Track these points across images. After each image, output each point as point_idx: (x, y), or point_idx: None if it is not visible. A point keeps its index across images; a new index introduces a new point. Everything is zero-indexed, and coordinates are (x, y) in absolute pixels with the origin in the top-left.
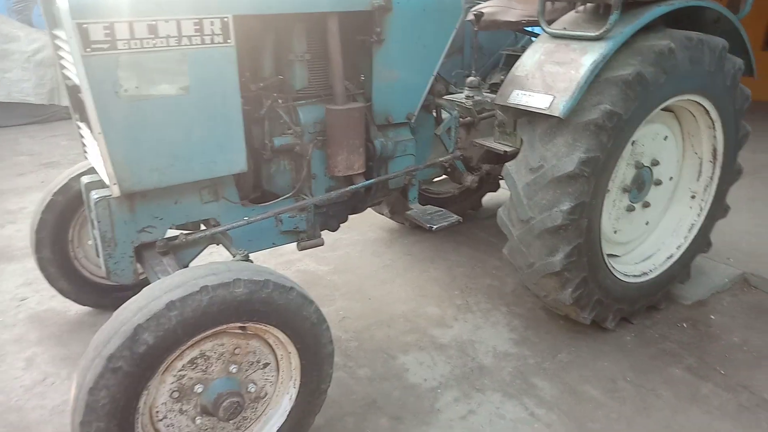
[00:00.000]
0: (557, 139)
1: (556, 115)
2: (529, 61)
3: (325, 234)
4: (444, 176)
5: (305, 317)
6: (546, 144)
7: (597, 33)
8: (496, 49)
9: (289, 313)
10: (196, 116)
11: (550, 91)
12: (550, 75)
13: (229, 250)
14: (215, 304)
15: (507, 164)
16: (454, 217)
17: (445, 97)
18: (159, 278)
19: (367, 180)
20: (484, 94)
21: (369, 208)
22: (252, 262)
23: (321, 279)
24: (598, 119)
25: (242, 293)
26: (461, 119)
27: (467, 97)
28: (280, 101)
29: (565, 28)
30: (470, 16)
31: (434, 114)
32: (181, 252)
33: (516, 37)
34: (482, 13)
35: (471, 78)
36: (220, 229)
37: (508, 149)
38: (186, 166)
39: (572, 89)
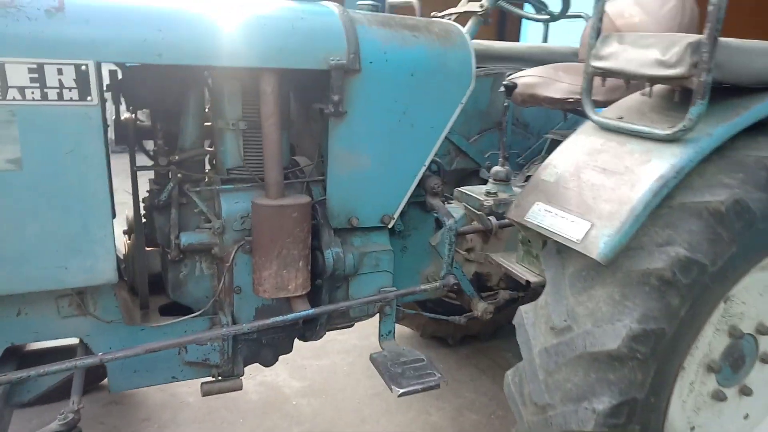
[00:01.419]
0: (596, 290)
1: (593, 256)
2: (562, 160)
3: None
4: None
5: None
6: (578, 294)
7: (670, 131)
8: (545, 131)
9: None
10: (32, 202)
11: (587, 214)
12: (591, 188)
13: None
14: None
15: (522, 308)
16: (436, 378)
17: (462, 189)
18: None
19: (313, 306)
20: (514, 189)
21: None
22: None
23: (284, 402)
24: (666, 271)
25: None
26: (475, 223)
27: (488, 193)
28: (202, 184)
29: (621, 118)
30: (501, 87)
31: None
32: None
33: (566, 117)
34: (515, 84)
35: (497, 168)
36: (86, 361)
37: (532, 279)
38: (19, 273)
39: (622, 218)
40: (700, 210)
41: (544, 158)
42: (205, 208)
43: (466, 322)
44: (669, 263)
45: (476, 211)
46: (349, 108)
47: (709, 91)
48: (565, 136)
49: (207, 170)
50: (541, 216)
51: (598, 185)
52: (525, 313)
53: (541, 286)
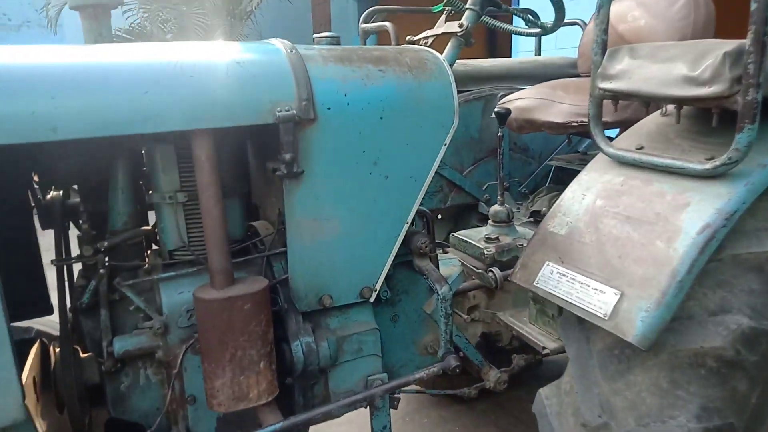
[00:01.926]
0: (636, 375)
1: (629, 339)
2: (573, 206)
3: None
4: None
5: None
6: (612, 379)
7: (711, 165)
8: (547, 153)
9: None
10: None
11: (614, 279)
12: (615, 243)
13: None
14: None
15: (542, 392)
16: None
17: (459, 235)
18: None
19: (285, 411)
20: (518, 229)
21: None
22: None
23: None
24: (726, 348)
25: None
26: (475, 280)
27: (488, 239)
28: (141, 272)
29: (641, 147)
30: (493, 114)
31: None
32: None
33: (570, 140)
34: (508, 110)
35: (496, 208)
36: None
37: (551, 346)
38: None
39: (662, 285)
40: (760, 263)
41: (550, 189)
42: (142, 303)
43: (477, 394)
44: (729, 338)
45: (475, 267)
46: (306, 166)
47: (759, 113)
48: (571, 162)
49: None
50: (555, 281)
51: (623, 239)
52: (546, 399)
53: (562, 352)
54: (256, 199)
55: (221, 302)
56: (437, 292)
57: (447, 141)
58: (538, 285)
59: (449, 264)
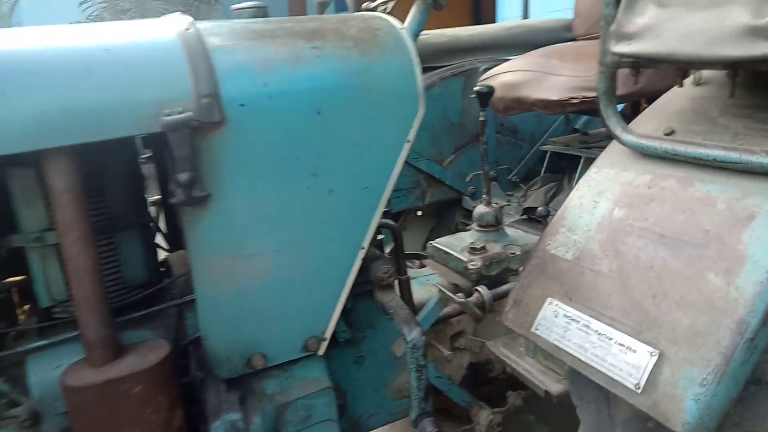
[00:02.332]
0: None
1: (676, 431)
2: (581, 217)
3: None
4: None
5: None
6: None
7: None
8: (540, 134)
9: None
10: None
11: (646, 331)
12: (645, 273)
13: None
14: None
15: None
16: None
17: (437, 243)
18: None
19: None
20: (509, 232)
21: None
22: None
23: None
24: None
25: None
26: (459, 300)
27: (473, 249)
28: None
29: (672, 132)
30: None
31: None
32: None
33: (568, 118)
34: (491, 88)
35: (482, 210)
36: None
37: (554, 388)
38: None
39: (724, 347)
40: None
41: (545, 179)
42: (4, 385)
43: None
44: None
45: (458, 284)
46: (213, 187)
47: None
48: (570, 146)
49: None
50: (561, 328)
51: (657, 269)
52: None
53: (567, 397)
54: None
55: (98, 388)
56: (405, 339)
57: (411, 137)
58: (538, 332)
59: (426, 283)
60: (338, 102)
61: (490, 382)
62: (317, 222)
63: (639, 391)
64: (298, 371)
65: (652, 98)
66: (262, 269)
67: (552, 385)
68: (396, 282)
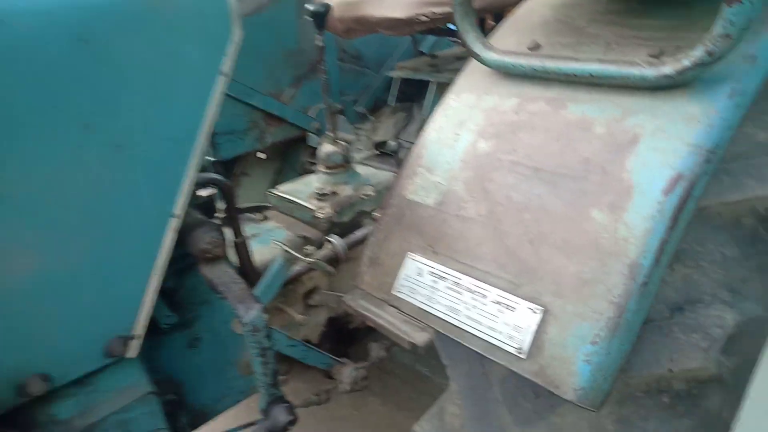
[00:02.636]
0: (563, 417)
1: (568, 398)
2: (441, 153)
3: None
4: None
5: None
6: (529, 424)
7: (674, 67)
8: (384, 59)
9: None
10: None
11: (526, 284)
12: (519, 216)
13: None
14: None
15: (417, 427)
16: None
17: (279, 191)
18: None
19: None
20: (360, 171)
21: None
22: None
23: None
24: (705, 369)
25: None
26: (310, 255)
27: (320, 195)
28: None
29: (538, 47)
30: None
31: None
32: None
33: (416, 40)
34: (326, 6)
35: (329, 149)
36: None
37: (420, 339)
38: None
39: (617, 297)
40: (736, 216)
41: (395, 110)
42: None
43: (329, 397)
44: (709, 351)
45: (307, 235)
46: None
47: None
48: (420, 70)
49: None
50: (426, 286)
51: (534, 210)
52: None
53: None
54: None
55: None
56: (241, 319)
57: (226, 68)
58: (400, 295)
59: (271, 238)
60: (114, 27)
61: (353, 334)
62: (103, 189)
63: (523, 356)
64: (103, 382)
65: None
66: (24, 263)
67: (417, 335)
68: (229, 248)
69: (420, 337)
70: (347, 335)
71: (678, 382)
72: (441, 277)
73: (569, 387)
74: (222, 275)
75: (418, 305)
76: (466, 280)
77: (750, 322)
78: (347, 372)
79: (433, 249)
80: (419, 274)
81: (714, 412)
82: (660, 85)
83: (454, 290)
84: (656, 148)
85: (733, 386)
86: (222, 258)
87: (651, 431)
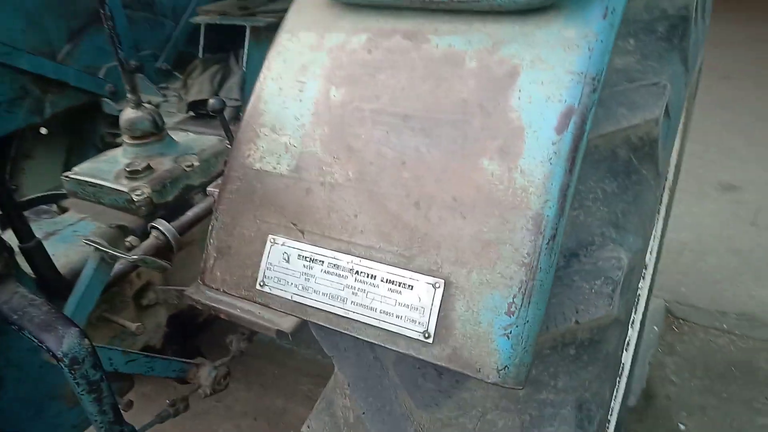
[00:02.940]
0: (472, 392)
1: (491, 381)
2: (286, 108)
3: None
4: None
5: None
6: (434, 406)
7: None
8: (183, 4)
9: None
10: None
11: (421, 254)
12: (397, 174)
13: None
14: None
15: (307, 429)
16: None
17: (76, 174)
18: None
19: None
20: (177, 139)
21: None
22: None
23: None
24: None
25: None
26: (134, 253)
27: (132, 172)
28: None
29: None
30: None
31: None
32: None
33: None
34: None
35: (130, 112)
36: None
37: (285, 323)
38: None
39: (525, 255)
40: (612, 148)
41: (206, 62)
42: None
43: (184, 408)
44: (612, 295)
45: (124, 225)
46: None
47: None
48: (229, 15)
49: None
50: (298, 274)
51: (412, 165)
52: None
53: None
54: None
55: None
56: (55, 357)
57: None
58: (266, 289)
59: (75, 235)
60: None
61: (205, 326)
62: None
63: (430, 340)
64: None
65: None
66: None
67: (283, 321)
68: (17, 258)
69: (287, 323)
70: (196, 331)
71: (583, 332)
72: (314, 261)
73: (490, 368)
74: (12, 299)
75: (292, 298)
76: (347, 260)
77: (635, 256)
78: (205, 373)
79: (299, 227)
80: (287, 260)
81: (612, 354)
82: (530, 6)
83: (334, 274)
84: (539, 80)
85: (624, 323)
86: (8, 275)
87: (561, 388)
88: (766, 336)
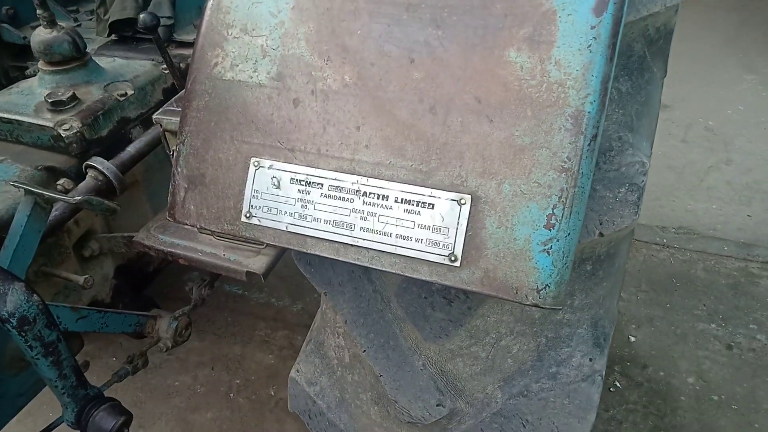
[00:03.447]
0: (485, 318)
1: (533, 304)
2: (258, 1)
3: None
4: None
5: None
6: (444, 337)
7: None
8: None
9: None
10: None
11: (441, 167)
12: (405, 74)
13: None
14: None
15: (295, 374)
16: None
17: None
18: None
19: None
20: (102, 64)
21: None
22: None
23: None
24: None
25: None
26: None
27: (54, 103)
28: None
29: None
30: None
31: None
32: None
33: None
34: None
35: (43, 33)
36: None
37: (255, 264)
38: None
39: (563, 161)
40: (629, 42)
41: None
42: None
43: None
44: (633, 208)
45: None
46: None
47: None
48: None
49: None
50: (292, 201)
51: (424, 64)
52: (311, 385)
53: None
54: None
55: None
56: None
57: None
58: (254, 220)
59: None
60: None
61: (158, 273)
62: None
63: (457, 263)
64: None
65: None
66: None
67: (252, 261)
68: None
69: (257, 263)
70: (147, 281)
71: (601, 246)
72: (311, 184)
73: (529, 289)
74: None
75: (287, 229)
76: (351, 180)
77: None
78: (165, 325)
79: (288, 146)
80: (277, 186)
81: (621, 266)
82: None
83: (337, 198)
84: None
85: (632, 231)
86: None
87: (577, 306)
88: (702, 247)
